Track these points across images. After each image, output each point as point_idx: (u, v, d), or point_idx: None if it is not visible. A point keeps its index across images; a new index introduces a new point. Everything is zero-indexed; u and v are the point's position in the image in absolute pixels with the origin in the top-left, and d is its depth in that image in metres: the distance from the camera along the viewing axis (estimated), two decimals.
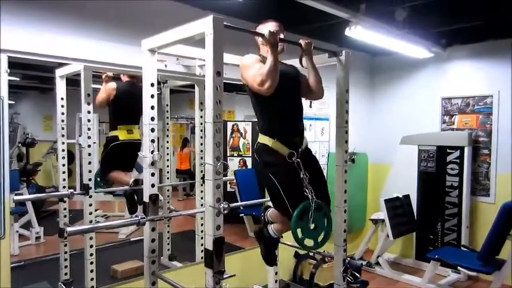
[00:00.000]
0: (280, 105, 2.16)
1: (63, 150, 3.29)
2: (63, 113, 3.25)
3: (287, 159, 2.09)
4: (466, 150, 4.30)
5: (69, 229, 1.82)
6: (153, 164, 2.19)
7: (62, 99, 3.22)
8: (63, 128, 3.29)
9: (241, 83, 2.22)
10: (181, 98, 7.82)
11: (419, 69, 4.85)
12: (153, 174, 2.20)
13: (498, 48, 4.24)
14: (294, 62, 2.43)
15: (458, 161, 4.37)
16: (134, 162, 3.71)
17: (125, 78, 3.59)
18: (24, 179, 6.04)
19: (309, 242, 2.11)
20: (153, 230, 2.22)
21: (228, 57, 2.20)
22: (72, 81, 3.17)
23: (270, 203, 2.99)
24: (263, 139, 2.16)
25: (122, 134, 3.48)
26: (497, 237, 3.57)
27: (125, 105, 3.51)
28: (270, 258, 2.49)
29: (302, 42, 2.21)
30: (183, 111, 8.75)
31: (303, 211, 2.03)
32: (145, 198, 2.19)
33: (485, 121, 4.37)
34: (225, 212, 1.75)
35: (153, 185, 2.19)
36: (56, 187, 7.19)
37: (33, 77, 5.78)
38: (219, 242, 1.73)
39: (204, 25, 1.68)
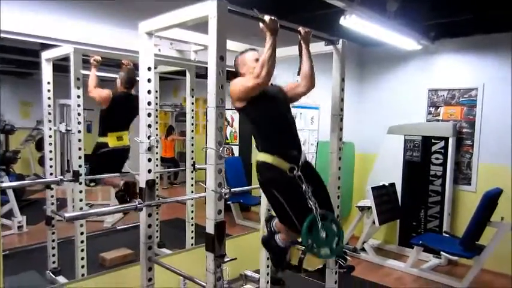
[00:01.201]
0: (274, 121, 2.17)
1: (50, 137, 3.20)
2: (49, 98, 3.16)
3: (288, 174, 2.10)
4: (450, 140, 4.42)
5: (67, 214, 1.79)
6: (149, 149, 2.17)
7: (49, 83, 3.13)
8: (50, 113, 3.20)
9: (231, 70, 2.22)
10: (166, 86, 7.71)
11: (407, 61, 4.93)
12: (149, 160, 2.18)
13: (484, 43, 4.35)
14: (290, 50, 2.44)
15: (442, 151, 4.48)
16: (123, 165, 3.72)
17: (120, 88, 3.58)
18: (4, 167, 5.88)
19: (325, 252, 2.11)
20: (149, 215, 2.20)
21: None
22: (53, 66, 3.09)
23: (273, 212, 3.05)
24: (263, 157, 2.16)
25: (111, 141, 3.51)
26: (478, 224, 3.71)
27: (117, 115, 3.52)
28: (282, 265, 2.51)
29: (302, 30, 2.22)
30: (167, 99, 8.65)
31: (311, 224, 2.04)
32: (142, 184, 2.17)
33: (469, 113, 4.50)
34: (227, 196, 1.76)
35: (149, 171, 2.17)
36: (37, 175, 7.04)
37: (10, 61, 5.59)
38: (221, 226, 1.74)
39: (208, 8, 1.66)
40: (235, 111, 2.24)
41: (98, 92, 3.43)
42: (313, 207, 2.05)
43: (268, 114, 2.13)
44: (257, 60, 2.13)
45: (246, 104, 2.11)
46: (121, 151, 3.57)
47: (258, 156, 2.20)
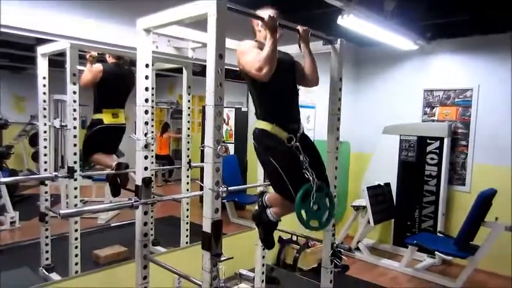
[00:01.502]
0: (278, 91, 2.16)
1: (45, 132, 3.16)
2: (45, 93, 3.12)
3: (286, 143, 2.10)
4: (445, 141, 4.44)
5: (62, 211, 1.77)
6: (146, 146, 2.16)
7: (44, 78, 3.09)
8: (45, 109, 3.16)
9: (229, 67, 2.20)
10: (162, 83, 7.68)
11: (403, 61, 4.95)
12: (146, 157, 2.17)
13: (480, 44, 4.38)
14: (291, 48, 2.43)
15: (437, 151, 4.50)
16: (118, 145, 3.64)
17: (110, 60, 3.49)
18: None
19: (314, 223, 2.14)
20: (145, 213, 2.19)
21: None
22: (48, 61, 3.05)
23: (257, 189, 3.04)
24: (261, 124, 2.16)
25: (106, 118, 3.39)
26: (472, 224, 3.73)
27: (111, 88, 3.40)
28: (269, 241, 2.50)
29: (300, 28, 2.22)
30: (163, 96, 8.62)
31: (306, 193, 2.05)
32: (138, 182, 2.15)
33: (464, 113, 4.52)
34: (224, 195, 1.75)
35: (146, 168, 2.16)
36: (31, 170, 6.99)
37: (4, 55, 5.54)
38: (218, 224, 1.73)
39: (207, 6, 1.64)
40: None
41: (87, 70, 3.30)
42: (310, 177, 2.06)
43: (273, 83, 2.08)
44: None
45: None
46: (116, 129, 3.44)
47: (257, 123, 2.19)
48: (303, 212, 2.07)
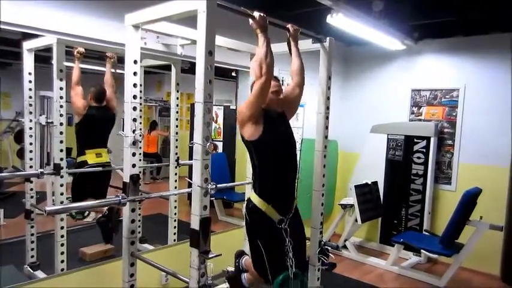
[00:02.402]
0: (280, 169, 2.18)
1: (30, 129, 3.13)
2: (30, 89, 3.09)
3: (276, 224, 2.14)
4: (432, 140, 4.49)
5: (48, 208, 1.75)
6: (134, 143, 2.14)
7: (30, 74, 3.06)
8: (31, 105, 3.12)
9: (218, 65, 2.22)
10: (150, 80, 7.62)
11: (391, 60, 4.99)
12: (134, 154, 2.15)
13: (467, 44, 4.42)
14: (280, 46, 2.44)
15: (424, 150, 4.55)
16: (106, 188, 3.65)
17: (91, 102, 3.53)
18: None
19: None
20: (133, 210, 2.18)
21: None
22: (35, 57, 3.02)
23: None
24: (257, 200, 2.17)
25: (90, 158, 3.45)
26: (458, 223, 3.78)
27: (92, 129, 3.49)
28: None
29: (290, 27, 2.24)
30: (151, 93, 8.55)
31: (283, 280, 2.10)
32: (126, 179, 2.14)
33: (450, 113, 4.58)
34: (212, 192, 1.75)
35: (134, 165, 2.14)
36: (16, 167, 6.87)
37: None
38: (206, 222, 1.73)
39: (197, 3, 1.64)
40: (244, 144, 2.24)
41: (75, 99, 3.40)
42: (289, 265, 2.12)
43: (275, 161, 2.14)
44: None
45: (256, 139, 2.11)
46: (102, 168, 3.49)
47: (252, 196, 2.21)
48: None
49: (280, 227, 2.14)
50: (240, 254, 2.60)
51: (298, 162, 2.42)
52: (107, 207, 3.38)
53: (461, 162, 4.51)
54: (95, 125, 3.47)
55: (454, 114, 4.54)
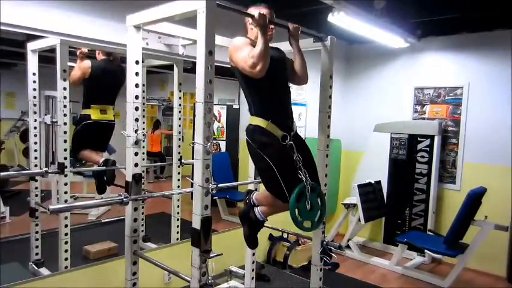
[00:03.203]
0: (272, 88, 2.15)
1: (35, 128, 3.15)
2: (35, 89, 3.11)
3: (280, 141, 2.09)
4: (435, 139, 4.47)
5: (51, 207, 1.76)
6: (136, 143, 2.16)
7: (34, 74, 3.08)
8: (35, 105, 3.15)
9: (220, 65, 2.20)
10: (153, 79, 7.64)
11: (394, 58, 4.97)
12: (136, 154, 2.17)
13: (470, 41, 4.40)
14: (282, 45, 2.44)
15: (428, 149, 4.54)
16: (107, 143, 3.60)
17: (99, 56, 3.46)
18: None
19: (307, 224, 2.13)
20: (135, 209, 2.19)
21: None
22: (39, 57, 3.03)
23: (248, 186, 3.04)
24: (256, 121, 2.13)
25: (94, 114, 3.36)
26: (462, 223, 3.76)
27: (99, 84, 3.38)
28: (253, 240, 2.49)
29: (290, 26, 2.23)
30: (154, 93, 8.58)
31: (300, 193, 2.04)
32: (128, 178, 2.15)
33: (454, 111, 4.56)
34: (213, 191, 1.76)
35: (136, 165, 2.16)
36: (21, 166, 6.93)
37: None
38: (207, 221, 1.74)
39: (197, 3, 1.64)
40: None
41: (76, 66, 3.28)
42: (304, 178, 2.06)
43: (266, 80, 2.06)
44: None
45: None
46: (105, 125, 3.40)
47: (251, 119, 2.17)
48: (297, 212, 2.06)
49: (285, 143, 2.10)
50: (249, 192, 2.51)
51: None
52: (103, 158, 3.33)
53: (465, 161, 4.49)
54: (103, 79, 3.36)
55: (458, 112, 4.52)
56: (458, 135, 4.53)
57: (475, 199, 3.75)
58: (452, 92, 4.57)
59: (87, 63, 3.32)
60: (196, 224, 1.72)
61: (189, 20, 1.85)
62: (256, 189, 2.57)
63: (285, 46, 2.42)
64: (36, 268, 3.07)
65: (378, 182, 4.72)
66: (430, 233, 4.35)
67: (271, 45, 2.29)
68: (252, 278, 3.22)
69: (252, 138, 2.15)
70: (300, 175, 2.07)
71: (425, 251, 4.27)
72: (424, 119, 4.78)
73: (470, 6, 3.66)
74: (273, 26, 2.15)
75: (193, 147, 1.74)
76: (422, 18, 4.12)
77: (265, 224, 2.62)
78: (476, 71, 4.38)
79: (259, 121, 2.13)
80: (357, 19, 3.34)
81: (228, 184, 3.09)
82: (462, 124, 4.49)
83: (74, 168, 3.79)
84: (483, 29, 4.25)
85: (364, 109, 5.27)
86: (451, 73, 4.58)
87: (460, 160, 4.52)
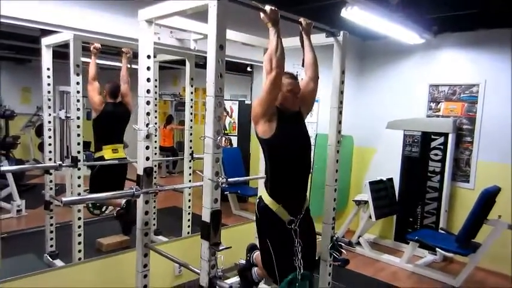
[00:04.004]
0: (292, 169, 2.15)
1: (49, 122, 3.21)
2: (49, 84, 3.17)
3: (286, 225, 2.13)
4: (450, 137, 4.40)
5: (64, 199, 1.80)
6: (148, 137, 2.18)
7: (48, 69, 3.14)
8: (49, 100, 3.21)
9: (232, 60, 2.22)
10: (166, 75, 7.70)
11: (408, 55, 4.91)
12: (147, 148, 2.19)
13: (487, 38, 4.31)
14: (293, 40, 2.43)
15: (441, 147, 4.47)
16: (123, 181, 3.72)
17: (107, 99, 3.59)
18: (4, 152, 5.90)
19: None
20: (146, 202, 2.22)
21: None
22: (53, 53, 3.10)
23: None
24: (268, 200, 2.15)
25: (107, 154, 3.53)
26: (475, 222, 3.71)
27: (109, 127, 3.57)
28: None
29: (303, 21, 2.23)
30: (166, 88, 8.64)
31: (291, 282, 2.09)
32: (140, 172, 2.18)
33: (470, 109, 4.48)
34: (223, 185, 1.77)
35: (147, 158, 2.18)
36: (36, 160, 7.07)
37: (9, 47, 5.59)
38: (216, 214, 1.75)
39: None
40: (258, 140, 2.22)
41: (92, 94, 3.46)
42: (297, 267, 2.10)
43: (287, 161, 2.12)
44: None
45: (270, 137, 2.08)
46: (118, 164, 3.57)
47: (264, 195, 2.19)
48: None
49: (290, 227, 2.13)
50: (251, 248, 2.62)
51: (312, 162, 2.39)
52: (124, 201, 3.44)
53: (480, 159, 4.41)
54: (111, 121, 3.55)
55: (474, 110, 4.44)
56: (473, 133, 4.45)
57: (488, 198, 3.69)
58: (468, 89, 4.49)
59: (101, 102, 3.51)
60: (206, 217, 1.74)
61: (200, 15, 1.86)
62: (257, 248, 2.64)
63: (295, 41, 2.41)
64: (51, 260, 3.15)
65: (390, 179, 4.69)
66: (442, 232, 4.30)
67: (284, 40, 2.29)
68: None
69: (260, 214, 2.21)
70: (295, 262, 2.10)
71: (437, 249, 4.22)
72: (438, 116, 4.71)
73: (488, 2, 3.59)
74: (296, 82, 2.19)
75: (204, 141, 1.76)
76: (438, 14, 4.05)
77: None
78: (493, 68, 4.28)
79: (270, 202, 2.15)
80: (371, 14, 3.30)
81: (238, 178, 3.10)
82: (477, 122, 4.41)
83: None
84: (500, 25, 4.15)
85: (377, 106, 5.22)
86: (467, 70, 4.50)
87: (475, 159, 4.44)
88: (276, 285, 2.15)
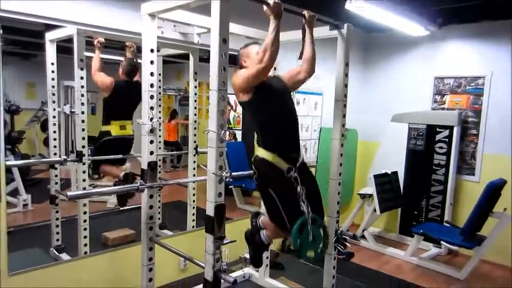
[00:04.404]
0: (278, 120, 2.20)
1: (54, 117, 3.23)
2: (53, 79, 3.17)
3: (285, 174, 2.14)
4: (455, 129, 4.37)
5: (69, 193, 1.81)
6: (152, 131, 2.19)
7: (53, 64, 3.14)
8: (54, 94, 3.22)
9: (235, 53, 2.23)
10: (170, 69, 7.68)
11: (413, 47, 4.87)
12: (151, 142, 2.20)
13: (493, 30, 4.26)
14: (293, 34, 2.42)
15: (446, 140, 4.45)
16: (126, 158, 3.71)
17: (122, 77, 3.57)
18: (9, 147, 5.93)
19: (310, 253, 2.19)
20: (151, 196, 2.23)
21: None
22: (58, 47, 3.09)
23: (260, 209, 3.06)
24: (262, 153, 2.19)
25: (114, 130, 3.51)
26: (480, 214, 3.69)
27: (119, 103, 3.53)
28: (258, 261, 2.59)
29: (306, 13, 2.21)
30: (171, 82, 8.63)
31: (302, 225, 2.10)
32: (144, 166, 2.19)
33: (475, 102, 4.44)
34: (227, 179, 1.77)
35: (151, 153, 2.19)
36: (42, 155, 7.09)
37: (14, 42, 5.60)
38: (221, 208, 1.76)
39: None
40: (240, 105, 2.25)
41: (101, 78, 3.42)
42: (305, 210, 2.12)
43: (272, 112, 2.16)
44: None
45: (250, 98, 2.13)
46: (124, 140, 3.56)
47: (258, 151, 2.23)
48: (299, 242, 2.12)
49: (290, 175, 2.14)
50: (256, 214, 2.61)
51: (317, 156, 2.41)
52: (123, 173, 3.42)
53: (485, 152, 4.39)
54: (123, 98, 3.50)
55: (479, 102, 4.41)
56: (478, 126, 4.42)
57: (494, 191, 3.68)
58: (474, 81, 4.45)
59: (111, 82, 3.45)
60: (210, 211, 1.74)
61: (203, 8, 1.86)
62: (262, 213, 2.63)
63: (295, 35, 2.40)
64: (57, 253, 3.17)
65: (395, 173, 4.67)
66: (447, 225, 4.29)
67: (283, 34, 2.28)
68: (267, 265, 3.26)
69: (258, 169, 2.22)
70: (302, 207, 2.12)
71: (442, 242, 4.22)
72: (443, 109, 4.68)
73: None
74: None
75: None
76: (443, 6, 4.01)
77: None
78: (499, 60, 4.23)
79: (265, 154, 2.18)
80: (375, 6, 3.27)
81: (242, 172, 3.10)
82: (483, 115, 4.38)
83: (93, 181, 3.90)
84: (506, 16, 4.10)
85: (381, 99, 5.19)
86: (472, 62, 4.45)
87: (480, 151, 4.42)
88: (288, 235, 2.15)
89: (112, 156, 3.51)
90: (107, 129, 3.52)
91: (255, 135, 2.33)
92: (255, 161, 2.23)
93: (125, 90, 3.50)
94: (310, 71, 2.33)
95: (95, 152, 3.52)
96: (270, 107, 2.14)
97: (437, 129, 4.53)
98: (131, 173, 3.44)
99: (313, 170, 4.25)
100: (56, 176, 3.21)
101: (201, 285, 1.89)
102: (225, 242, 1.76)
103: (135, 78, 3.58)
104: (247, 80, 2.08)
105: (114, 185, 3.55)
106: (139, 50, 3.35)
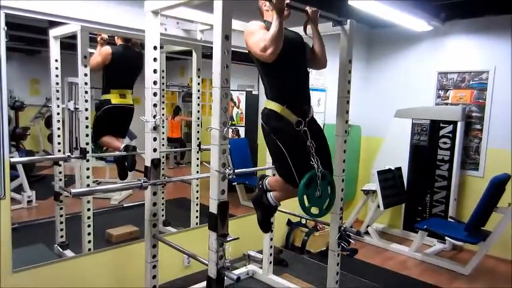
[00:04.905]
0: (289, 71, 2.13)
1: (58, 114, 3.22)
2: (57, 75, 3.16)
3: (295, 127, 2.09)
4: (458, 125, 4.36)
5: (73, 190, 1.82)
6: (155, 128, 2.19)
7: (56, 61, 3.13)
8: (57, 91, 3.21)
9: (237, 50, 2.19)
10: (173, 66, 7.68)
11: (416, 42, 4.84)
12: (155, 139, 2.20)
13: (496, 24, 4.23)
14: (298, 30, 2.40)
15: (450, 135, 4.43)
16: (127, 128, 3.66)
17: (118, 42, 3.50)
18: (14, 143, 5.96)
19: (314, 210, 2.14)
20: (154, 194, 2.24)
21: None
22: (62, 44, 3.09)
23: (266, 172, 3.06)
24: (271, 105, 2.13)
25: (114, 98, 3.42)
26: (484, 210, 3.69)
27: (119, 70, 3.44)
28: (266, 225, 2.55)
29: (309, 9, 2.20)
30: (174, 79, 8.63)
31: (310, 179, 2.04)
32: (147, 163, 2.19)
33: (479, 97, 4.42)
34: (230, 177, 1.77)
35: (155, 150, 2.19)
36: (46, 151, 7.12)
37: (19, 39, 5.61)
38: (224, 205, 1.76)
39: None
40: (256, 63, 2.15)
41: (97, 53, 3.33)
42: (315, 164, 2.06)
43: (283, 63, 2.06)
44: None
45: None
46: (124, 109, 3.47)
47: (267, 103, 2.17)
48: (305, 198, 2.07)
49: (299, 128, 2.09)
50: (262, 177, 2.55)
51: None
52: (123, 145, 3.41)
53: (489, 147, 4.37)
54: (122, 66, 3.43)
55: (483, 97, 4.38)
56: (482, 121, 4.40)
57: (498, 186, 3.66)
58: (477, 76, 4.42)
59: (108, 49, 3.36)
60: (213, 208, 1.75)
61: (206, 5, 1.85)
62: (267, 175, 2.57)
63: (299, 31, 2.38)
64: (61, 250, 3.18)
65: (398, 169, 4.66)
66: (451, 220, 4.28)
67: (291, 28, 2.27)
68: (270, 262, 3.26)
69: (266, 122, 2.16)
70: (312, 162, 2.06)
71: (446, 238, 4.21)
72: (447, 104, 4.66)
73: None
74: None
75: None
76: (446, 0, 3.98)
77: (284, 210, 2.63)
78: (503, 55, 4.20)
79: (274, 105, 2.12)
80: (378, 1, 3.26)
81: (245, 170, 3.10)
82: (487, 110, 4.36)
83: (96, 154, 3.87)
84: (510, 11, 4.06)
85: (385, 95, 5.17)
86: (476, 57, 4.43)
87: (484, 147, 4.40)
88: (297, 189, 2.07)
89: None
90: (106, 97, 3.43)
91: (264, 90, 2.26)
92: (263, 114, 2.17)
93: (124, 57, 3.42)
94: (322, 65, 2.32)
95: (94, 122, 3.41)
96: (282, 59, 2.02)
97: (441, 125, 4.51)
98: (131, 145, 3.42)
99: None
100: (60, 172, 3.21)
101: (205, 282, 1.89)
102: (228, 239, 1.76)
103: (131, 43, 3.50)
104: (253, 50, 2.02)
105: (114, 158, 3.51)
106: (142, 46, 3.37)
